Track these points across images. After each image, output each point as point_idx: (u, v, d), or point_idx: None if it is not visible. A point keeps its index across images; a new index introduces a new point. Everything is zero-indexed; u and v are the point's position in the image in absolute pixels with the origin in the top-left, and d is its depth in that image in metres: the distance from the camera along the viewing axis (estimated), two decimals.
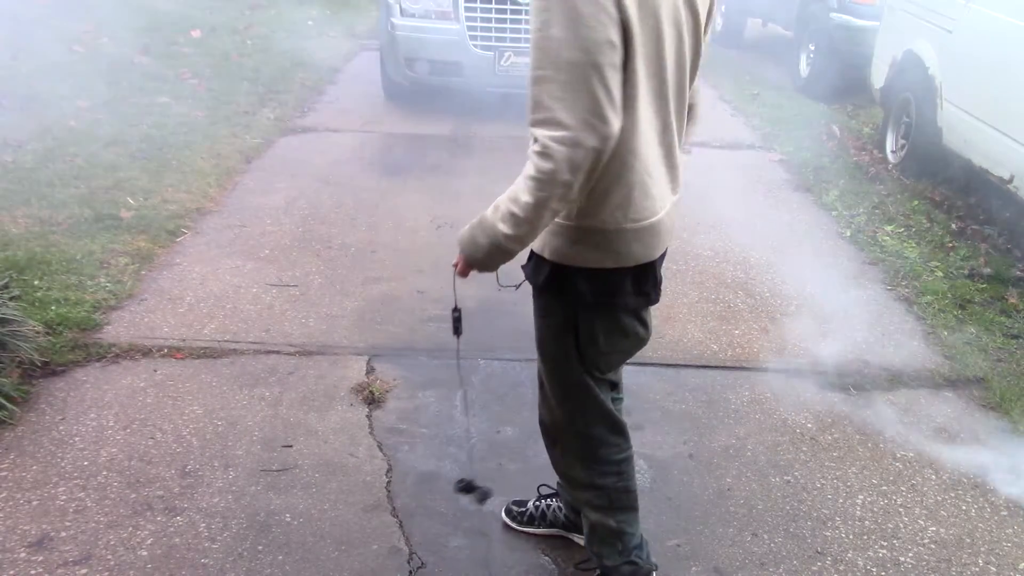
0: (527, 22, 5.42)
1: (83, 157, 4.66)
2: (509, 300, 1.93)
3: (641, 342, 1.78)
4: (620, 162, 1.47)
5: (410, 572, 2.09)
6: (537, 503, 2.23)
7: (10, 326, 2.73)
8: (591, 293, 1.61)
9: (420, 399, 2.76)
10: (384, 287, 3.51)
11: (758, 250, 4.03)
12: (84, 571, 2.03)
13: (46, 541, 2.11)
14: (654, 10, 1.40)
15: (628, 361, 3.04)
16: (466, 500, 2.32)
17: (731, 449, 2.61)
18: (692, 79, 1.61)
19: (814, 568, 2.17)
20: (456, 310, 1.77)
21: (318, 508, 2.28)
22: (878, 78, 5.59)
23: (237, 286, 3.45)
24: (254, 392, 2.77)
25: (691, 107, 1.71)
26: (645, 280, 1.65)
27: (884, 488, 2.48)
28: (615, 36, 1.35)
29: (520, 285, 1.73)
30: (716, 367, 3.06)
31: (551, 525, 2.20)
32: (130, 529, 2.17)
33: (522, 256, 1.63)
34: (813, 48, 7.10)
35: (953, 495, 2.47)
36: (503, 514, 2.26)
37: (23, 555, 2.07)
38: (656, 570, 1.98)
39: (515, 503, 2.26)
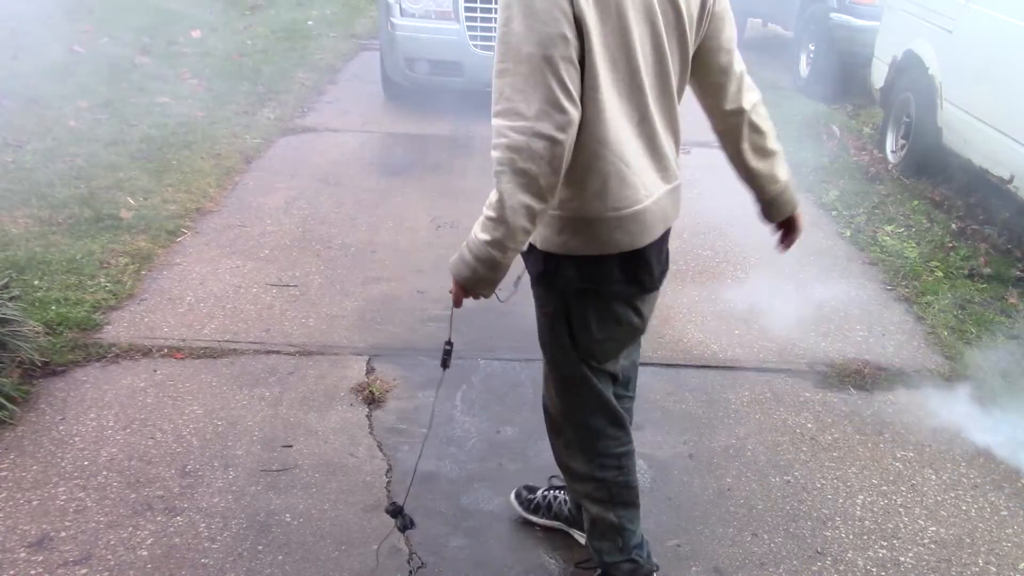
0: None
1: (83, 157, 4.66)
2: (508, 300, 1.96)
3: (636, 331, 1.80)
4: (590, 152, 1.51)
5: (410, 572, 2.09)
6: (546, 492, 2.24)
7: (10, 326, 2.73)
8: (578, 279, 1.64)
9: (420, 399, 2.76)
10: (384, 287, 3.51)
11: (758, 250, 4.03)
12: (84, 571, 2.03)
13: (46, 541, 2.11)
14: (617, 6, 1.46)
15: None
16: (468, 501, 2.32)
17: (731, 449, 2.61)
18: (685, 71, 1.67)
19: (814, 568, 2.17)
20: (449, 343, 1.75)
21: (318, 508, 2.28)
22: (878, 78, 5.59)
23: (237, 286, 3.45)
24: (254, 392, 2.77)
25: (734, 82, 1.83)
26: (636, 267, 1.66)
27: (884, 488, 2.48)
28: (568, 31, 1.40)
29: (519, 279, 1.73)
30: (716, 367, 3.06)
31: (555, 518, 2.21)
32: (130, 529, 2.17)
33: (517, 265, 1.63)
34: (813, 48, 7.09)
35: (953, 495, 2.47)
36: (512, 497, 2.27)
37: (23, 555, 2.07)
38: (657, 571, 1.98)
39: (526, 488, 2.28)
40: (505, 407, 2.77)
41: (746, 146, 1.88)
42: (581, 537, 2.13)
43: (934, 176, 4.85)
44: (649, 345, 3.17)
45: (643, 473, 2.48)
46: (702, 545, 2.23)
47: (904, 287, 3.73)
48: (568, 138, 1.43)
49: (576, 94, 1.43)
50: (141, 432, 2.54)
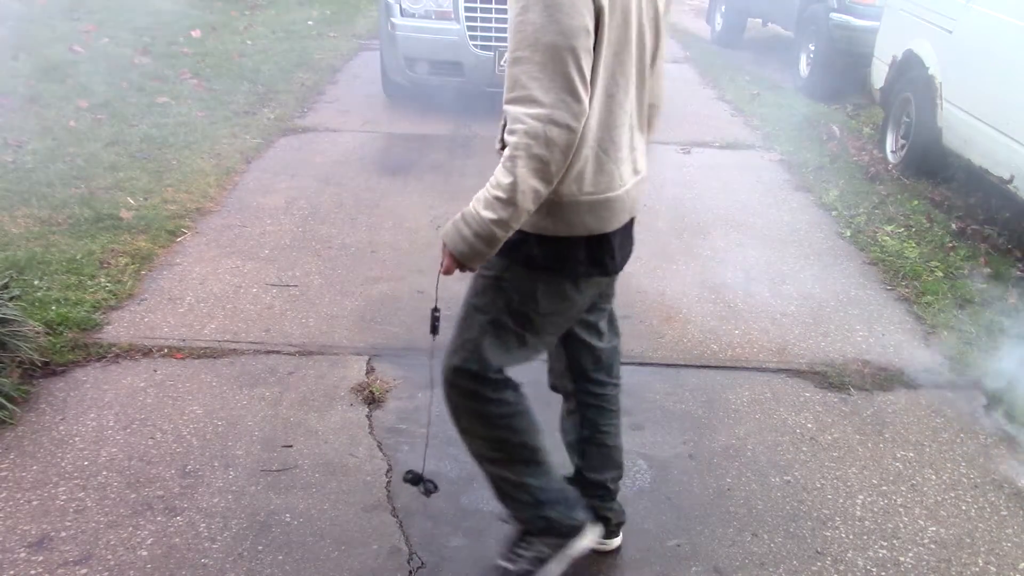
0: None
1: (83, 157, 4.66)
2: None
3: (579, 311, 1.83)
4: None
5: (410, 572, 2.09)
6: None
7: (10, 326, 2.73)
8: (542, 257, 1.68)
9: (420, 399, 2.76)
10: (384, 287, 3.51)
11: (758, 250, 4.03)
12: (84, 571, 2.03)
13: (46, 541, 2.11)
14: (623, 2, 1.53)
15: (628, 361, 3.06)
16: (468, 501, 2.32)
17: (731, 449, 2.61)
18: (652, 67, 1.73)
19: (814, 568, 2.17)
20: (436, 309, 1.76)
21: (318, 508, 2.28)
22: (878, 78, 5.59)
23: (237, 286, 3.45)
24: (254, 392, 2.77)
25: (652, 106, 1.83)
26: (600, 251, 1.71)
27: (884, 488, 2.48)
28: (591, 24, 1.46)
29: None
30: (716, 367, 3.06)
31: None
32: (130, 529, 2.17)
33: None
34: (813, 48, 7.09)
35: (953, 495, 2.47)
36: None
37: (23, 555, 2.07)
38: (587, 524, 1.93)
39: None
40: None
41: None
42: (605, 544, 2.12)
43: (934, 176, 4.85)
44: (649, 345, 3.17)
45: (643, 473, 2.48)
46: (702, 545, 2.23)
47: (904, 287, 3.73)
48: (580, 126, 1.47)
49: (589, 85, 1.49)
50: (141, 432, 2.54)
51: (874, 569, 2.17)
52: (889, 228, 4.33)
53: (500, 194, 1.49)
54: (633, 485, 2.43)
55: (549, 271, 1.70)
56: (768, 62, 8.37)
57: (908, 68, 5.12)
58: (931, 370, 3.09)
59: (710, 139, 5.77)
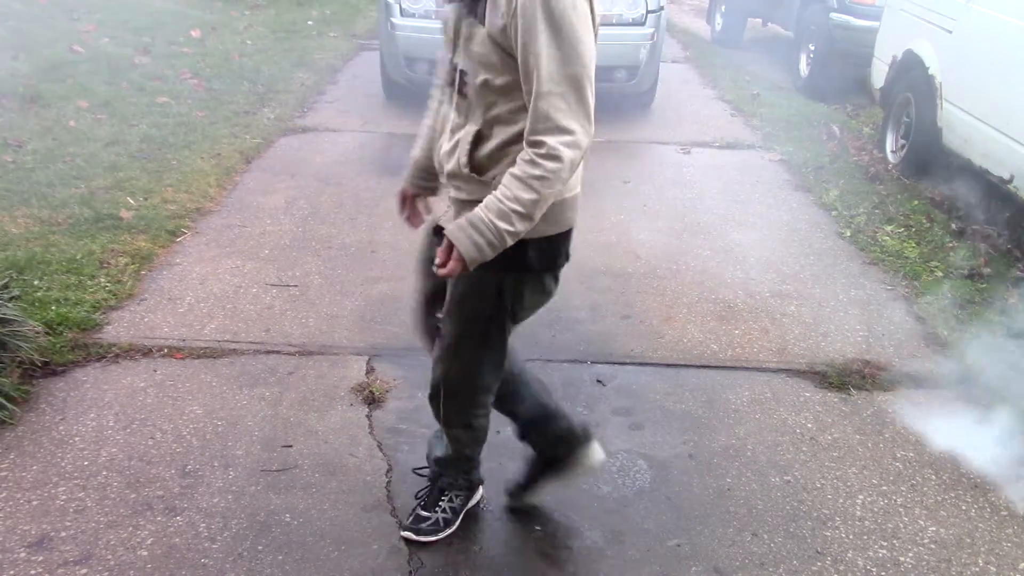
0: None
1: (83, 157, 4.66)
2: None
3: (550, 299, 1.94)
4: None
5: (410, 572, 2.09)
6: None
7: (10, 326, 2.73)
8: (537, 259, 1.78)
9: (420, 399, 2.75)
10: (384, 287, 3.51)
11: (758, 250, 4.03)
12: (84, 571, 2.03)
13: (46, 541, 2.11)
14: (596, 24, 1.63)
15: (628, 361, 3.06)
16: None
17: (731, 449, 2.61)
18: None
19: (814, 568, 2.17)
20: (438, 319, 1.93)
21: (318, 508, 2.28)
22: (878, 78, 5.59)
23: (237, 286, 3.45)
24: (254, 392, 2.77)
25: None
26: (570, 240, 1.84)
27: (884, 488, 2.48)
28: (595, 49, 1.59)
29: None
30: (716, 367, 3.06)
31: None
32: (130, 529, 2.17)
33: None
34: (813, 48, 7.09)
35: (953, 495, 2.47)
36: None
37: (23, 555, 2.07)
38: (483, 483, 2.28)
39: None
40: None
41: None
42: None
43: (934, 176, 4.85)
44: (649, 345, 3.17)
45: (643, 473, 2.48)
46: (702, 545, 2.23)
47: (904, 287, 3.73)
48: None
49: None
50: (141, 432, 2.54)
51: (874, 569, 2.17)
52: (889, 228, 4.33)
53: (520, 209, 1.57)
54: (633, 485, 2.43)
55: (540, 271, 1.81)
56: (768, 62, 8.38)
57: (908, 68, 5.12)
58: (931, 370, 3.09)
59: (710, 139, 5.77)
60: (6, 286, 3.03)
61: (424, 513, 2.17)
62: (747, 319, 3.39)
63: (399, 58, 5.72)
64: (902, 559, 2.21)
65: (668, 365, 3.05)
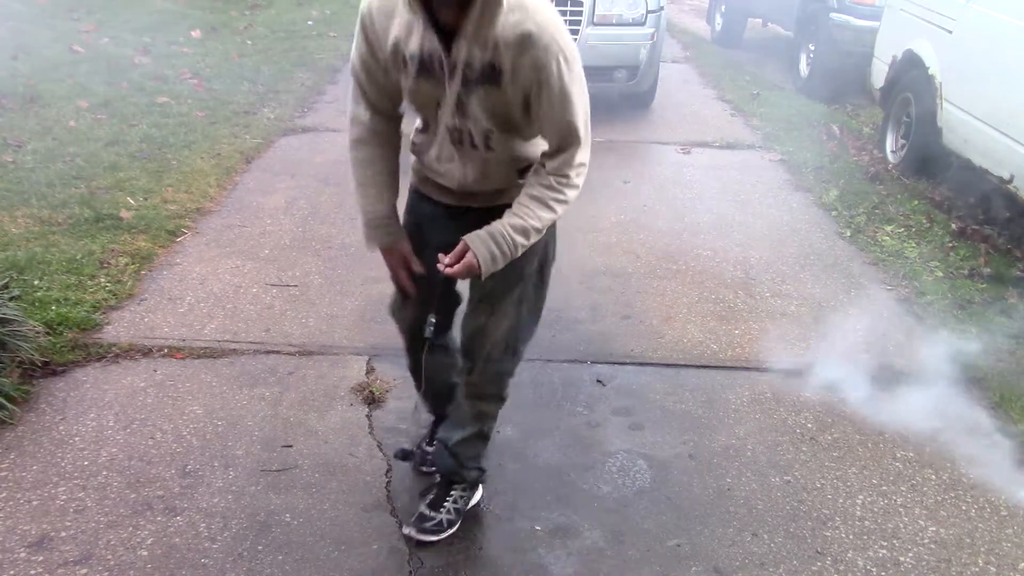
0: None
1: (83, 157, 4.66)
2: None
3: None
4: None
5: (410, 572, 2.09)
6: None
7: (10, 326, 2.73)
8: (553, 249, 2.04)
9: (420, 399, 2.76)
10: (384, 287, 3.47)
11: (758, 250, 4.03)
12: (84, 571, 2.03)
13: (46, 541, 2.11)
14: None
15: (628, 361, 3.06)
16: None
17: (731, 449, 2.61)
18: None
19: (814, 568, 2.17)
20: (432, 318, 2.03)
21: (318, 508, 2.28)
22: (878, 78, 5.59)
23: (237, 286, 3.45)
24: (254, 392, 2.77)
25: None
26: None
27: (884, 488, 2.48)
28: None
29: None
30: (716, 367, 3.06)
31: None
32: (130, 529, 2.17)
33: None
34: (813, 48, 7.10)
35: (953, 495, 2.47)
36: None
37: (23, 555, 2.07)
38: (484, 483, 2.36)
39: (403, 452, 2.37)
40: (504, 407, 2.76)
41: None
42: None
43: (934, 176, 4.85)
44: (649, 345, 3.17)
45: (643, 473, 2.48)
46: (702, 545, 2.23)
47: (904, 287, 3.73)
48: None
49: None
50: (141, 432, 2.55)
51: (874, 569, 2.17)
52: (889, 228, 4.33)
53: (539, 226, 1.77)
54: (633, 485, 2.43)
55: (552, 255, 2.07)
56: (768, 62, 8.38)
57: (908, 68, 5.12)
58: (931, 370, 3.09)
59: (710, 139, 5.77)
60: (6, 286, 3.03)
61: (429, 512, 2.19)
62: (747, 319, 3.39)
63: None
64: (902, 559, 2.21)
65: (668, 365, 3.05)
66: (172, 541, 2.14)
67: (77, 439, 2.49)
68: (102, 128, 5.17)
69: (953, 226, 4.34)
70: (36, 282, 3.27)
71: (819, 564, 2.18)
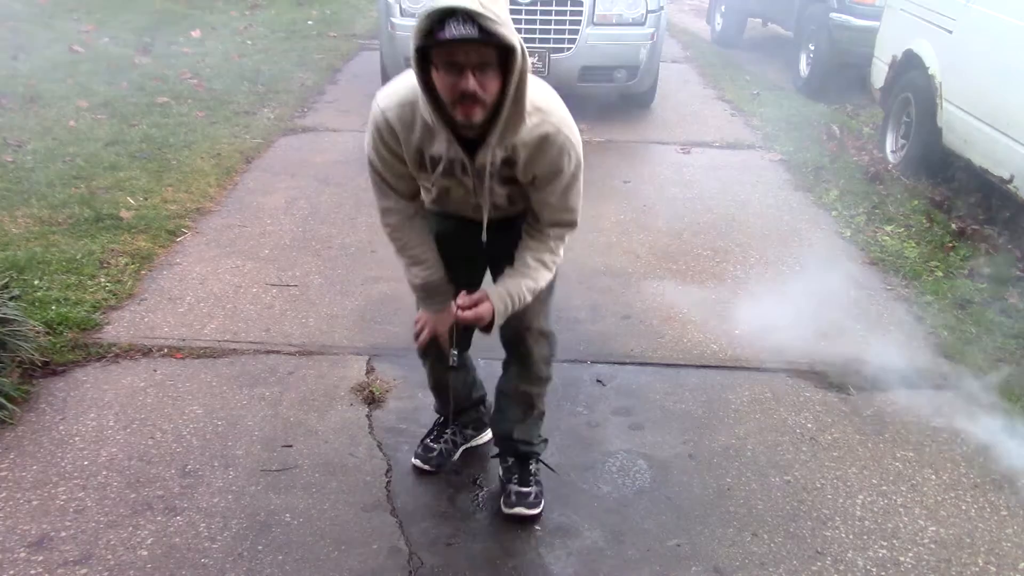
0: (526, 22, 5.44)
1: (83, 157, 4.66)
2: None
3: None
4: None
5: (410, 572, 2.09)
6: (441, 443, 2.47)
7: (10, 326, 2.73)
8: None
9: (420, 399, 2.76)
10: (384, 287, 3.50)
11: (758, 250, 4.03)
12: (84, 571, 2.03)
13: (46, 541, 2.11)
14: None
15: (628, 361, 3.06)
16: (467, 501, 2.33)
17: (731, 449, 2.61)
18: None
19: (814, 568, 2.17)
20: (454, 355, 2.18)
21: (318, 508, 2.28)
22: (878, 78, 5.59)
23: (237, 286, 3.45)
24: (254, 392, 2.77)
25: None
26: None
27: (884, 488, 2.48)
28: None
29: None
30: (716, 367, 3.06)
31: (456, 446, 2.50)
32: (130, 529, 2.17)
33: None
34: (813, 48, 7.09)
35: (953, 495, 2.46)
36: (417, 461, 2.44)
37: (23, 555, 2.07)
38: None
39: (424, 448, 2.47)
40: None
41: None
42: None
43: (934, 176, 4.85)
44: (649, 345, 3.17)
45: (643, 473, 2.48)
46: (702, 545, 2.23)
47: (904, 287, 3.72)
48: None
49: None
50: (141, 432, 2.54)
51: (874, 569, 2.17)
52: (889, 228, 4.33)
53: (542, 286, 2.00)
54: (633, 485, 2.43)
55: None
56: (768, 62, 8.38)
57: (908, 68, 5.12)
58: (931, 370, 3.09)
59: (710, 139, 5.77)
60: (6, 286, 3.03)
61: (524, 489, 2.29)
62: (747, 319, 3.39)
63: (399, 58, 5.71)
64: (902, 559, 2.21)
65: (668, 365, 3.05)
66: (172, 541, 2.14)
67: (77, 439, 2.49)
68: (102, 128, 5.17)
69: (953, 226, 4.34)
70: (36, 282, 3.27)
71: (819, 564, 2.18)
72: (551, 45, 5.52)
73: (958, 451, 2.66)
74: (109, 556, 2.08)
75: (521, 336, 2.18)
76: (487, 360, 2.99)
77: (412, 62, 1.69)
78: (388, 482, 2.39)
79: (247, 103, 5.96)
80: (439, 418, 2.52)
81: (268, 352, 3.00)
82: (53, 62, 6.42)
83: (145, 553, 2.09)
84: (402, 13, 5.65)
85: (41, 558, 2.06)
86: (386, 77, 6.08)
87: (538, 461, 2.37)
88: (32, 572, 2.02)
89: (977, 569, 2.19)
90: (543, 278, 1.98)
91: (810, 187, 4.91)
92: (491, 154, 1.77)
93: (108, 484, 2.32)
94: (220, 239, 3.87)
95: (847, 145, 5.66)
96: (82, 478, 2.34)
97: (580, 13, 5.52)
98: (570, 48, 5.56)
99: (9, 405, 2.55)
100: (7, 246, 3.56)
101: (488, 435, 2.55)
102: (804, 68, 7.28)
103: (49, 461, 2.40)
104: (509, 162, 1.82)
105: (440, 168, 1.84)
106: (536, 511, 2.28)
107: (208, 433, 2.56)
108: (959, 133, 4.47)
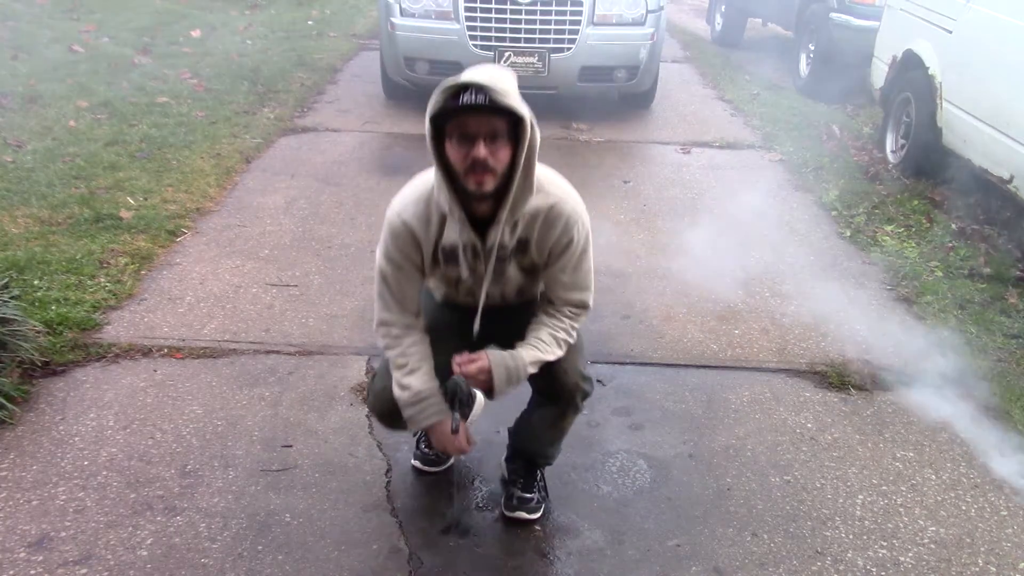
0: (527, 22, 5.44)
1: (83, 157, 4.66)
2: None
3: None
4: None
5: (410, 572, 2.09)
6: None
7: (10, 326, 2.73)
8: None
9: None
10: None
11: (758, 250, 4.03)
12: (84, 571, 2.03)
13: (46, 541, 2.11)
14: None
15: (628, 361, 3.06)
16: (468, 501, 2.33)
17: (731, 449, 2.61)
18: None
19: (814, 568, 2.17)
20: (455, 417, 2.03)
21: (318, 508, 2.28)
22: (878, 78, 5.59)
23: (237, 286, 3.45)
24: (254, 392, 2.77)
25: None
26: None
27: (884, 488, 2.48)
28: None
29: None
30: (716, 367, 3.06)
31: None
32: (130, 529, 2.17)
33: None
34: (813, 48, 7.09)
35: (953, 495, 2.47)
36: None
37: (23, 555, 2.07)
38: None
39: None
40: (505, 408, 2.75)
41: None
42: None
43: (934, 176, 4.85)
44: (649, 345, 3.17)
45: (643, 473, 2.48)
46: (702, 545, 2.23)
47: (904, 287, 3.72)
48: None
49: None
50: (141, 432, 2.55)
51: (874, 569, 2.17)
52: (889, 228, 4.33)
53: (551, 359, 1.98)
54: (633, 485, 2.43)
55: None
56: (768, 62, 8.37)
57: (908, 68, 5.12)
58: (931, 370, 3.09)
59: (710, 139, 5.77)
60: (6, 286, 3.03)
61: (527, 494, 2.30)
62: (747, 319, 3.39)
63: (399, 58, 5.72)
64: (902, 559, 2.21)
65: (668, 365, 3.05)
66: (172, 541, 2.14)
67: (77, 439, 2.49)
68: (102, 128, 5.17)
69: (953, 226, 4.34)
70: (36, 282, 3.27)
71: (819, 564, 2.18)
72: (551, 45, 5.52)
73: (958, 451, 2.66)
74: (109, 556, 2.08)
75: (568, 389, 2.12)
76: None
77: (427, 136, 1.75)
78: (388, 482, 2.39)
79: (247, 103, 5.96)
80: None
81: (268, 352, 3.00)
82: (53, 62, 6.42)
83: (145, 553, 2.09)
84: (402, 13, 5.65)
85: (41, 558, 2.06)
86: (386, 77, 6.09)
87: (543, 468, 2.37)
88: (32, 572, 2.02)
89: (977, 569, 2.19)
90: (550, 352, 1.97)
91: (810, 187, 4.91)
92: (502, 232, 1.84)
93: (108, 484, 2.32)
94: (220, 239, 3.87)
95: (847, 145, 5.66)
96: (82, 478, 2.34)
97: (580, 13, 5.52)
98: (570, 48, 5.55)
99: (9, 405, 2.55)
100: (7, 246, 3.56)
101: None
102: (804, 68, 7.28)
103: (49, 461, 2.40)
104: (524, 246, 1.90)
105: (454, 256, 1.90)
106: (536, 516, 2.29)
107: (208, 433, 2.56)
108: (959, 133, 4.47)
